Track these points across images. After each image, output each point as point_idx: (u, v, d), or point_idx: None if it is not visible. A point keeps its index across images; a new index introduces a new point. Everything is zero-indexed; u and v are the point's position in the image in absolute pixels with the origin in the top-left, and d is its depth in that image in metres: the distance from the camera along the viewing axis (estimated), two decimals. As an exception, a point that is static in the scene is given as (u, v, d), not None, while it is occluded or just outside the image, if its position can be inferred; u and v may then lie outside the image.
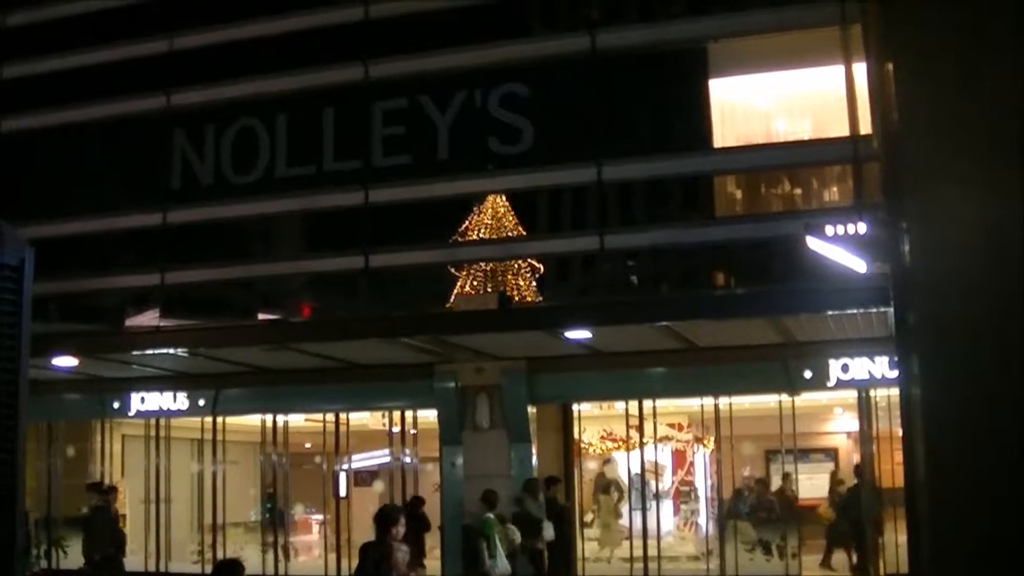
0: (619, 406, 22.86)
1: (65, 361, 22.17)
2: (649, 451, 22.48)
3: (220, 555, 23.62)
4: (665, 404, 22.55)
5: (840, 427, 25.40)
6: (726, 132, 20.68)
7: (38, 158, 25.26)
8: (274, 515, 25.36)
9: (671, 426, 24.14)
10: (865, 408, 20.09)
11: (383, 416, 25.02)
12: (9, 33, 25.72)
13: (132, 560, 25.53)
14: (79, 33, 24.85)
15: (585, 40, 21.02)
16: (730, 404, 21.60)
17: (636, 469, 22.83)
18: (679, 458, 24.81)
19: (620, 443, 23.62)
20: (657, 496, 22.79)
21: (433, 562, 22.19)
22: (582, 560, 22.01)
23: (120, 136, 24.15)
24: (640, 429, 22.18)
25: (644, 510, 22.06)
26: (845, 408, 23.60)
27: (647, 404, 22.03)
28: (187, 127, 23.63)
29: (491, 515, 18.66)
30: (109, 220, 23.95)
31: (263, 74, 23.02)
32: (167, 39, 24.01)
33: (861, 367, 19.52)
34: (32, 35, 25.52)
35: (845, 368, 19.70)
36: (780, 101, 21.14)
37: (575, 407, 22.81)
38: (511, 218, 23.26)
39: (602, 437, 24.24)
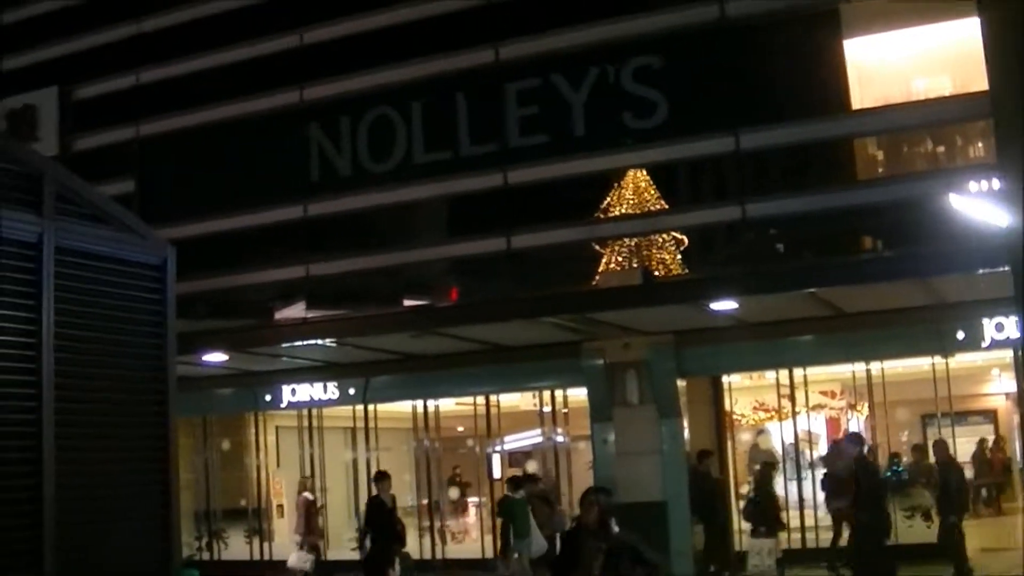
0: (770, 376, 24.14)
1: (215, 357, 24.34)
2: (802, 420, 23.68)
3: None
4: (816, 372, 23.56)
5: (998, 388, 26.06)
6: (863, 93, 21.70)
7: (178, 160, 27.48)
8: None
9: (824, 394, 25.13)
10: (1022, 367, 20.58)
11: (534, 396, 26.61)
12: (146, 38, 28.02)
13: (292, 549, 27.75)
14: (212, 34, 27.00)
15: (715, 8, 22.21)
16: (882, 369, 22.61)
17: (790, 439, 23.98)
18: (833, 426, 25.79)
19: (772, 413, 24.81)
20: (812, 465, 24.02)
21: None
22: (739, 533, 23.26)
23: (257, 133, 26.22)
24: (792, 398, 23.43)
25: (799, 480, 23.32)
26: (1002, 369, 24.26)
27: (798, 373, 23.21)
28: (322, 120, 25.51)
29: (516, 496, 20.39)
30: (251, 216, 25.98)
31: (394, 62, 24.76)
32: (297, 34, 26.02)
33: (1016, 325, 19.67)
34: (167, 38, 27.78)
35: (1000, 327, 20.22)
36: (917, 58, 21.88)
37: (725, 379, 24.10)
38: (652, 192, 24.38)
39: (754, 408, 25.47)
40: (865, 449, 18.87)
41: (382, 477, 20.29)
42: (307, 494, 24.35)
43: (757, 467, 22.25)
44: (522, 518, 20.20)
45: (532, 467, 27.40)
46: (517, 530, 20.06)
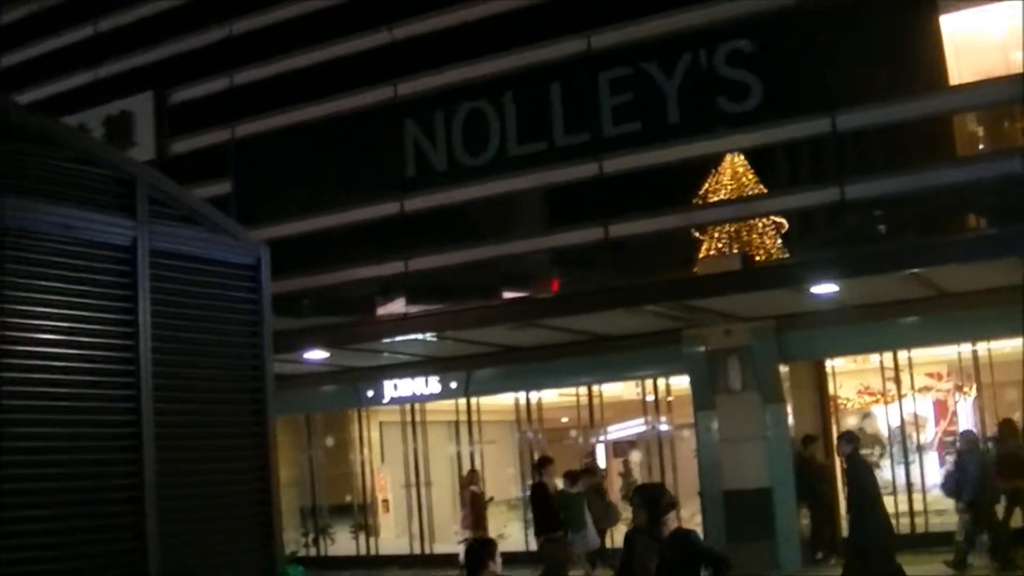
0: (874, 359, 24.51)
1: (316, 354, 25.34)
2: (908, 403, 24.07)
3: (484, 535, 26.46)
4: (922, 354, 23.78)
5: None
6: (961, 68, 21.93)
7: (274, 159, 28.57)
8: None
9: (930, 376, 25.26)
10: None
11: (636, 385, 27.27)
12: (238, 40, 29.16)
13: (398, 543, 28.78)
14: (303, 34, 28.07)
15: (807, -13, 22.76)
16: (989, 350, 22.82)
17: (896, 422, 24.27)
18: (940, 408, 25.88)
19: (878, 397, 25.14)
20: (919, 449, 24.38)
21: (694, 528, 24.45)
22: (846, 519, 23.71)
23: (352, 130, 27.20)
24: (897, 381, 23.85)
25: (907, 464, 23.72)
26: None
27: (903, 355, 23.53)
28: (416, 115, 26.41)
29: (573, 491, 21.03)
30: (349, 213, 26.95)
31: (486, 55, 25.61)
32: (388, 30, 26.96)
33: None
34: (259, 40, 28.88)
35: (1111, 302, 20.42)
36: (1016, 30, 21.94)
37: (828, 363, 24.48)
38: (750, 176, 24.85)
39: (859, 392, 25.82)
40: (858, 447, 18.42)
41: (546, 463, 19.96)
42: (474, 487, 24.85)
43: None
44: (577, 512, 20.91)
45: (636, 457, 28.09)
46: (572, 524, 20.74)
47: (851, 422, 25.65)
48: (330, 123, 27.58)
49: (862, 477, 17.08)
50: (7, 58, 33.06)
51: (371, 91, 27.05)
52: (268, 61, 28.61)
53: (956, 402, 25.27)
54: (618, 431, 29.59)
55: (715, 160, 24.73)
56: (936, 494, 23.07)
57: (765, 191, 24.31)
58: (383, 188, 26.64)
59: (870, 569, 16.65)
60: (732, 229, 25.36)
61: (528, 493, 22.19)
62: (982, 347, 22.87)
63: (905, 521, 22.92)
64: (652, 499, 9.80)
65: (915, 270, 19.89)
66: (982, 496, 19.31)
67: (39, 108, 28.47)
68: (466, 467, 27.96)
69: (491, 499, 25.75)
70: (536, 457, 23.09)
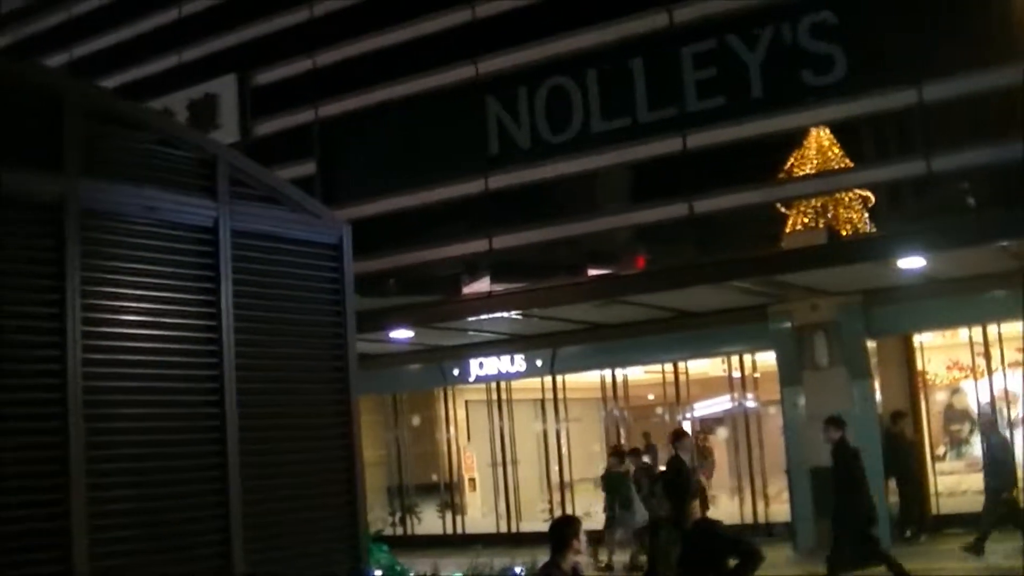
0: (963, 334, 24.81)
1: (401, 333, 26.11)
2: (999, 378, 24.34)
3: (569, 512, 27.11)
4: (1012, 328, 23.93)
5: None
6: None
7: (358, 139, 29.33)
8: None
9: (1020, 351, 25.49)
10: None
11: (722, 362, 27.79)
12: (320, 21, 29.96)
13: (484, 522, 29.51)
14: (383, 13, 28.74)
15: (892, -45, 22.97)
16: (1081, 324, 23.10)
17: (986, 398, 24.49)
18: (1032, 384, 26.17)
19: (967, 372, 25.42)
20: (1010, 424, 24.62)
21: (782, 505, 25.03)
22: (935, 495, 24.08)
23: (434, 109, 27.86)
24: (987, 356, 24.10)
25: (999, 439, 23.92)
26: None
27: (992, 329, 23.84)
28: (498, 93, 26.89)
29: (620, 469, 21.55)
30: (433, 192, 27.60)
31: (568, 31, 26.06)
32: (469, 7, 27.58)
33: None
34: (340, 20, 29.63)
35: None
36: None
37: (916, 338, 24.81)
38: (836, 150, 25.04)
39: (948, 367, 26.09)
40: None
41: (681, 436, 19.91)
42: None
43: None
44: (624, 491, 21.56)
45: (723, 434, 28.60)
46: (621, 502, 21.44)
47: (940, 397, 25.96)
48: (412, 102, 28.18)
49: (848, 463, 17.71)
50: (94, 43, 34.12)
51: (453, 69, 27.58)
52: (350, 42, 29.24)
53: (1048, 376, 25.41)
54: (704, 408, 30.11)
55: (800, 134, 24.94)
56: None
57: (851, 165, 24.58)
58: (466, 166, 27.19)
59: (844, 556, 17.16)
60: (818, 204, 25.58)
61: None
62: (1074, 320, 23.00)
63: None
64: (677, 488, 9.82)
65: (1004, 242, 20.19)
66: None
67: (124, 92, 29.67)
68: (552, 445, 28.56)
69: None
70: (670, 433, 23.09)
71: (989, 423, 21.31)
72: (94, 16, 34.76)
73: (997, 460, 20.36)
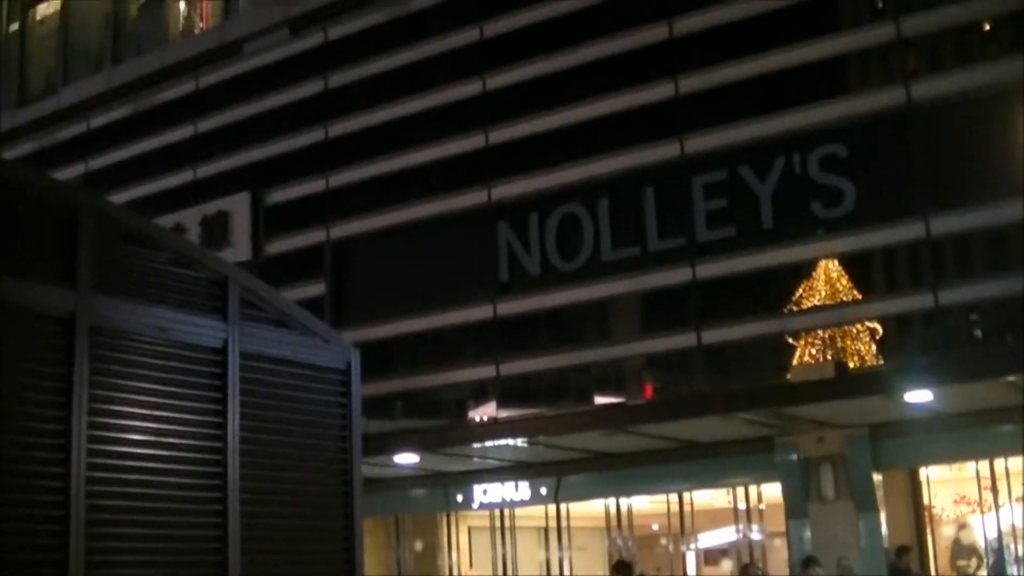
0: (970, 467, 24.84)
1: (407, 458, 26.18)
2: (1006, 513, 24.36)
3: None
4: (1020, 462, 23.67)
5: None
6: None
7: (368, 261, 29.72)
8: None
9: (1028, 485, 25.61)
10: None
11: (727, 493, 27.79)
12: (334, 142, 30.52)
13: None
14: (398, 136, 29.36)
15: (900, 92, 23.56)
16: (1091, 460, 23.16)
17: (993, 533, 24.40)
18: (1040, 519, 26.15)
19: (975, 506, 25.41)
20: (1018, 560, 24.51)
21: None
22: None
23: (446, 233, 28.31)
24: (994, 490, 24.12)
25: (1006, 576, 23.93)
26: None
27: (1000, 463, 23.78)
28: (510, 218, 27.46)
29: None
30: (442, 316, 27.90)
31: (580, 159, 26.63)
32: (483, 133, 28.11)
33: None
34: (354, 142, 30.24)
35: None
36: None
37: (923, 471, 24.78)
38: (845, 282, 25.29)
39: (955, 501, 26.04)
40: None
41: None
42: None
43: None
44: None
45: (727, 566, 28.49)
46: None
47: (947, 532, 25.86)
48: (424, 225, 28.67)
49: None
50: (110, 155, 34.75)
51: (465, 194, 28.10)
52: (364, 162, 29.84)
53: (1057, 512, 25.36)
54: (710, 539, 29.97)
55: (809, 265, 25.26)
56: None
57: (859, 296, 24.83)
58: (476, 291, 27.54)
59: None
60: (826, 335, 25.81)
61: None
62: (1082, 457, 23.07)
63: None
64: None
65: (1011, 377, 20.23)
66: None
67: (139, 206, 30.22)
68: (555, 574, 28.47)
69: None
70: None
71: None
72: (111, 129, 35.51)
73: None
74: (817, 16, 24.80)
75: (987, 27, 24.14)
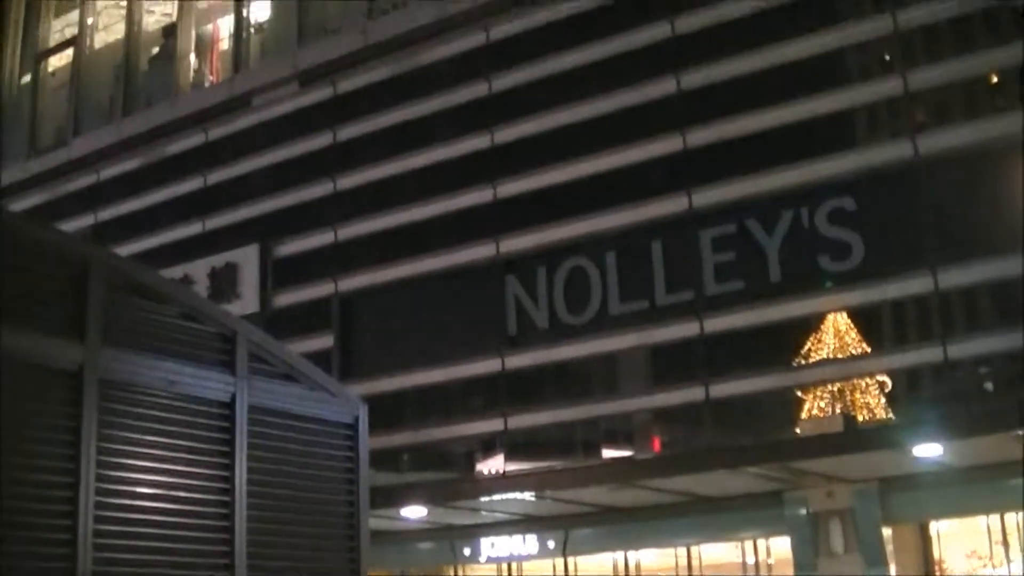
0: (981, 522, 24.81)
1: (414, 511, 26.20)
2: (1017, 567, 24.19)
3: None
4: None
5: None
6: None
7: (376, 314, 29.77)
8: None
9: (1040, 539, 25.51)
10: None
11: (736, 547, 27.72)
12: (343, 195, 30.63)
13: None
14: (404, 190, 29.48)
15: (907, 146, 23.62)
16: (1101, 514, 23.14)
17: (1006, 588, 24.24)
18: (1051, 573, 26.06)
19: (986, 560, 25.32)
20: (1030, 615, 24.46)
21: None
22: None
23: (454, 286, 28.38)
24: (1005, 544, 24.05)
25: (1018, 631, 23.80)
26: None
27: (1010, 518, 23.81)
28: (518, 272, 27.55)
29: None
30: (449, 370, 27.93)
31: (589, 213, 26.72)
32: (491, 187, 28.22)
33: None
34: (362, 195, 30.34)
35: None
36: None
37: (933, 526, 24.81)
38: (854, 335, 25.41)
39: (966, 555, 25.97)
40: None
41: None
42: None
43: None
44: None
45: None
46: None
47: (958, 587, 25.77)
48: (432, 279, 28.69)
49: None
50: (120, 207, 34.91)
51: (473, 247, 28.15)
52: (372, 215, 29.92)
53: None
54: (718, 593, 29.89)
55: (817, 318, 25.23)
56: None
57: (868, 350, 24.84)
58: (484, 345, 27.54)
59: None
60: (835, 388, 25.81)
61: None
62: (1095, 510, 23.02)
63: None
64: None
65: (1021, 431, 20.35)
66: None
67: (148, 257, 30.33)
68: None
69: None
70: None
71: None
72: (121, 181, 35.63)
73: None
74: (824, 70, 24.89)
75: (994, 80, 24.24)
